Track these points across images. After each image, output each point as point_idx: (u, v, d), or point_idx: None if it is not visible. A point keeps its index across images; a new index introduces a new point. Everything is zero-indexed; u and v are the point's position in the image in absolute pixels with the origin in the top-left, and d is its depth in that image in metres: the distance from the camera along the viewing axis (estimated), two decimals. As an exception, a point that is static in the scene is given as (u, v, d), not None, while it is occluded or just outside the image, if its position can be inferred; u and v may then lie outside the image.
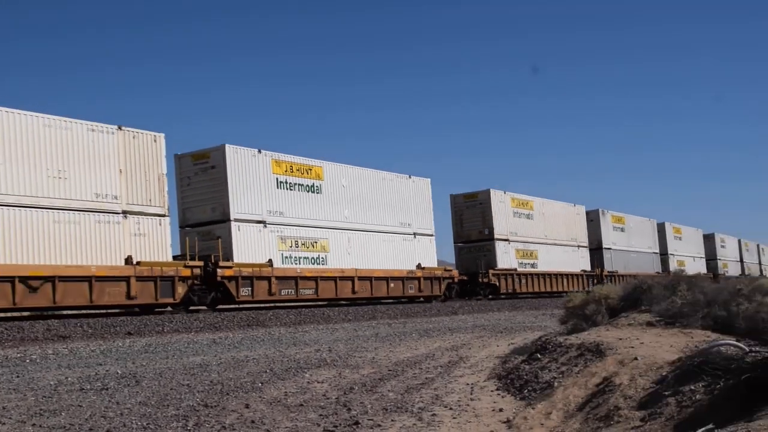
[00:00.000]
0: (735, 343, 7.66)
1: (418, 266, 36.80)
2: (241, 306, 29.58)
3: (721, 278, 46.60)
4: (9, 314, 22.87)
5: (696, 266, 65.26)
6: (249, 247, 28.53)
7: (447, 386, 11.03)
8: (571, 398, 8.69)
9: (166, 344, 17.70)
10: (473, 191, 44.14)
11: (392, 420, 8.68)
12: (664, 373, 7.68)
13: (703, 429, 5.34)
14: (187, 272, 25.55)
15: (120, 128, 24.60)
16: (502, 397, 10.13)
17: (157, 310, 25.68)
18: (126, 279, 23.76)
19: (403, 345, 17.06)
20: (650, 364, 8.44)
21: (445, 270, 39.56)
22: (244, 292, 27.64)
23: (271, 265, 28.90)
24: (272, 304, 30.18)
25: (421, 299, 37.33)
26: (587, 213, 53.65)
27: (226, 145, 28.47)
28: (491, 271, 42.23)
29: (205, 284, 26.71)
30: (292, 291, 29.81)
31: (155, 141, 25.61)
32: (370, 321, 26.73)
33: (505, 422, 8.51)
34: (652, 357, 8.81)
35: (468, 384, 11.23)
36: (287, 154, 31.15)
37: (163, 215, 25.51)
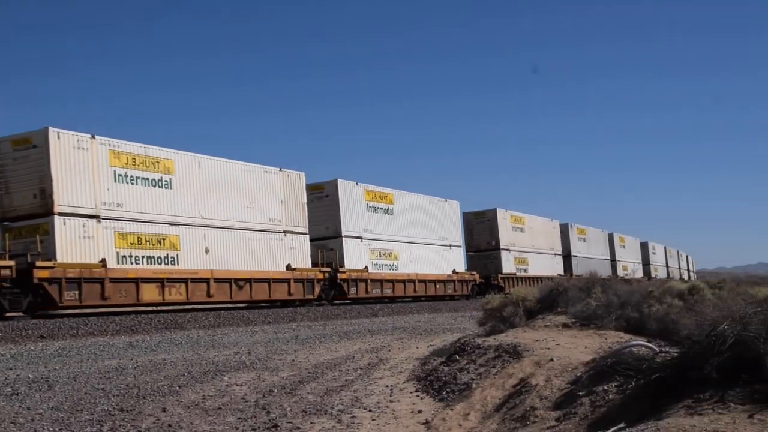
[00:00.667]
0: (646, 343, 7.87)
1: (453, 271, 45.39)
2: (351, 300, 37.69)
3: (654, 281, 48.05)
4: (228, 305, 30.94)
5: (637, 270, 72.01)
6: (352, 257, 37.05)
7: (366, 388, 11.06)
8: (489, 399, 8.81)
9: (81, 347, 17.29)
10: (482, 210, 52.15)
11: (311, 423, 8.67)
12: (578, 374, 7.85)
13: (615, 428, 5.48)
14: (321, 276, 34.25)
15: (281, 170, 33.21)
16: (421, 398, 10.21)
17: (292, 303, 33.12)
18: (287, 281, 32.30)
19: (323, 347, 17.03)
20: (565, 365, 8.62)
21: (471, 274, 47.43)
22: (352, 290, 36.69)
23: (367, 270, 37.73)
24: (372, 298, 38.58)
25: (456, 297, 45.14)
26: (560, 226, 61.42)
27: (339, 180, 37.10)
28: (499, 275, 49.95)
29: (330, 285, 35.37)
30: (387, 290, 39.50)
31: (299, 178, 34.41)
32: (290, 323, 26.59)
33: (423, 423, 8.58)
34: (567, 358, 8.99)
35: (387, 386, 11.28)
36: (368, 184, 39.51)
37: (305, 233, 34.22)
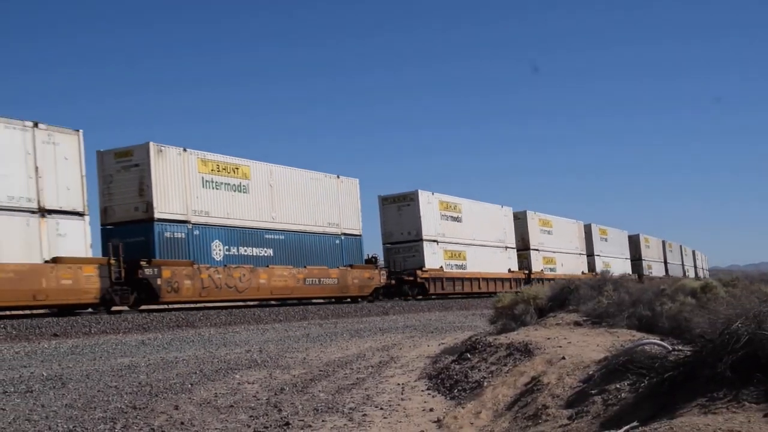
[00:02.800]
0: (659, 342, 7.84)
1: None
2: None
3: (645, 279, 47.92)
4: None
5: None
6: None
7: (378, 386, 11.06)
8: (501, 397, 8.80)
9: (94, 345, 17.36)
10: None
11: (323, 420, 8.67)
12: (590, 372, 7.83)
13: (628, 426, 5.46)
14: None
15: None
16: (433, 396, 10.21)
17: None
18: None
19: (334, 345, 17.05)
20: (577, 363, 8.59)
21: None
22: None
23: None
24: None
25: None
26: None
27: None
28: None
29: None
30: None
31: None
32: (301, 321, 26.64)
33: (435, 422, 8.57)
34: (579, 356, 8.97)
35: (399, 384, 11.28)
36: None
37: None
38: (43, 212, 22.48)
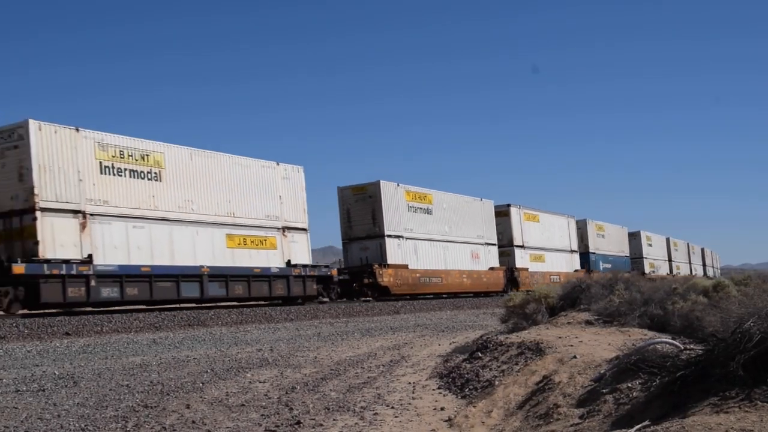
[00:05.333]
0: (670, 341, 7.81)
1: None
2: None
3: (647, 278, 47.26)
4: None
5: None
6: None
7: (389, 385, 11.06)
8: (512, 396, 8.79)
9: (105, 344, 17.43)
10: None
11: (334, 419, 8.68)
12: (602, 371, 7.81)
13: (640, 425, 5.45)
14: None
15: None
16: (444, 395, 10.20)
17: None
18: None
19: (345, 344, 17.06)
20: (589, 362, 8.58)
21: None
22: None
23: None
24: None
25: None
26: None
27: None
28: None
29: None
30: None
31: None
32: (312, 320, 26.66)
33: (446, 421, 8.57)
34: (590, 355, 8.95)
35: (410, 383, 11.27)
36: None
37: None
38: None
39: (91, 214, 24.85)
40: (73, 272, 23.68)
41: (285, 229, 32.73)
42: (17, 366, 13.59)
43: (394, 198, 39.41)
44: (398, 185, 40.02)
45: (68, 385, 11.05)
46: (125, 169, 26.24)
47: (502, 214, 50.14)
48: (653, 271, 69.27)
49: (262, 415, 8.94)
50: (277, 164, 33.07)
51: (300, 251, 33.39)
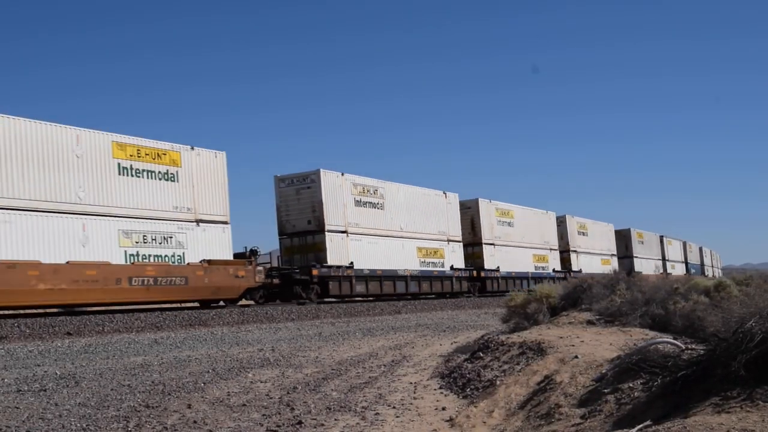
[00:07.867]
0: (672, 341, 7.81)
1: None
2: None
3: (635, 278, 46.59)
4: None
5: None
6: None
7: (390, 385, 11.06)
8: (513, 396, 8.78)
9: (107, 344, 17.44)
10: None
11: (335, 419, 8.68)
12: (603, 371, 7.81)
13: (641, 425, 5.44)
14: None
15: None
16: (445, 395, 10.20)
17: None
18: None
19: (346, 344, 17.06)
20: (590, 362, 8.57)
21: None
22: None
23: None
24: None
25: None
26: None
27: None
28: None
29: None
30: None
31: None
32: (314, 320, 26.67)
33: (447, 421, 8.57)
34: (592, 355, 8.94)
35: (411, 383, 11.27)
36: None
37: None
38: None
39: (349, 233, 36.00)
40: (344, 274, 34.91)
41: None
42: (19, 366, 13.60)
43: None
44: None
45: (70, 385, 11.06)
46: (366, 202, 37.55)
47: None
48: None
49: (264, 415, 8.94)
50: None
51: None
